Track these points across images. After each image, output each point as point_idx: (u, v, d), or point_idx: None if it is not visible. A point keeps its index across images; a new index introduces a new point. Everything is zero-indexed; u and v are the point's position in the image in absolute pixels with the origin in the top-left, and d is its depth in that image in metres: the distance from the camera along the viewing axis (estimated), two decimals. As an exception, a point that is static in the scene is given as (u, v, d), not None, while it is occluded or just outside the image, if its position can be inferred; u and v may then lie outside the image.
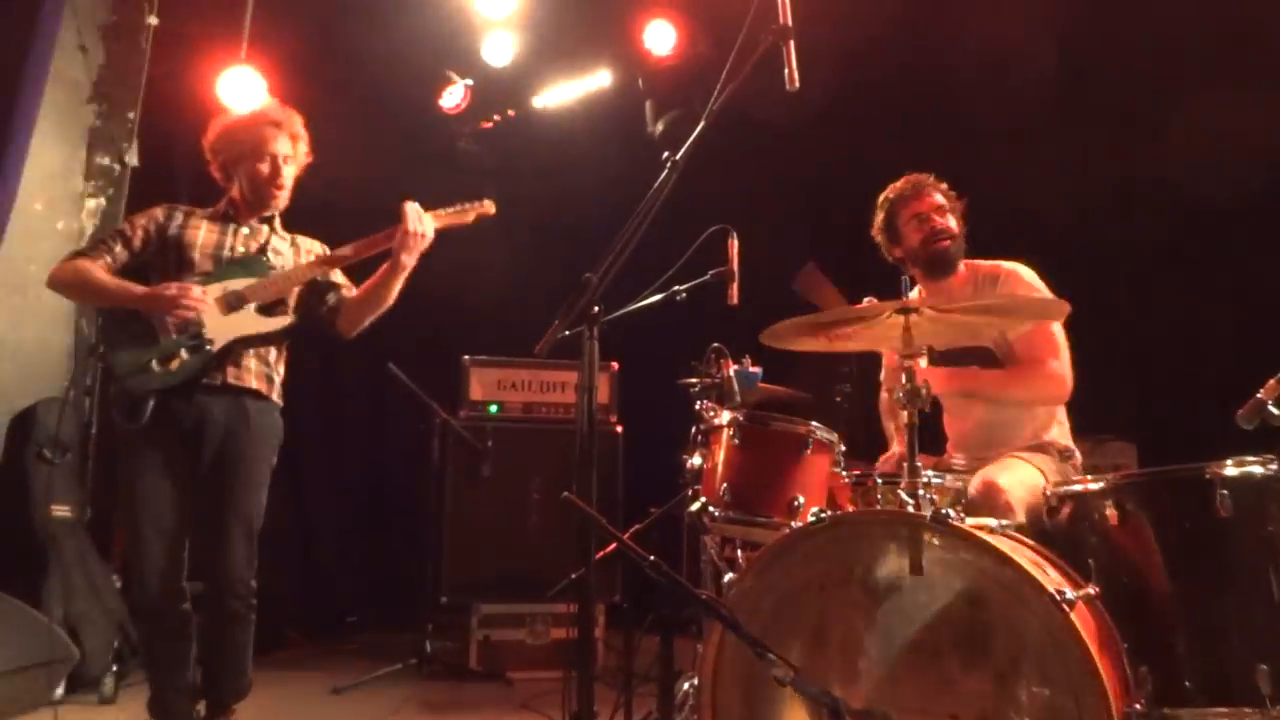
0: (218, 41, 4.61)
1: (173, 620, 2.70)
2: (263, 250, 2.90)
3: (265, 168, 2.91)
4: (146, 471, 2.67)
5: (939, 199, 3.02)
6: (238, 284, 2.80)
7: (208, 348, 2.72)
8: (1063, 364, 2.84)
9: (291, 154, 2.97)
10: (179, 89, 4.64)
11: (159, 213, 2.90)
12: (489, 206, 2.97)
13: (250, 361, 2.80)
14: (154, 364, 2.70)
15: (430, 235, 2.83)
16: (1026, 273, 2.95)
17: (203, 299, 2.72)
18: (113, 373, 2.75)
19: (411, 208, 2.82)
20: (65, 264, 2.78)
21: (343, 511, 5.81)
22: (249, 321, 2.79)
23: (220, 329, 2.75)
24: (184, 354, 2.71)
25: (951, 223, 3.01)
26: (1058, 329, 2.87)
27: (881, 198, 3.14)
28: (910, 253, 3.05)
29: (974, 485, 2.56)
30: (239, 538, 2.70)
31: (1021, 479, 2.60)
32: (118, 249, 2.81)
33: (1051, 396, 2.87)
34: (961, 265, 3.03)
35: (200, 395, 2.71)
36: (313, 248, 3.05)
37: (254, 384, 2.79)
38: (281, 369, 2.93)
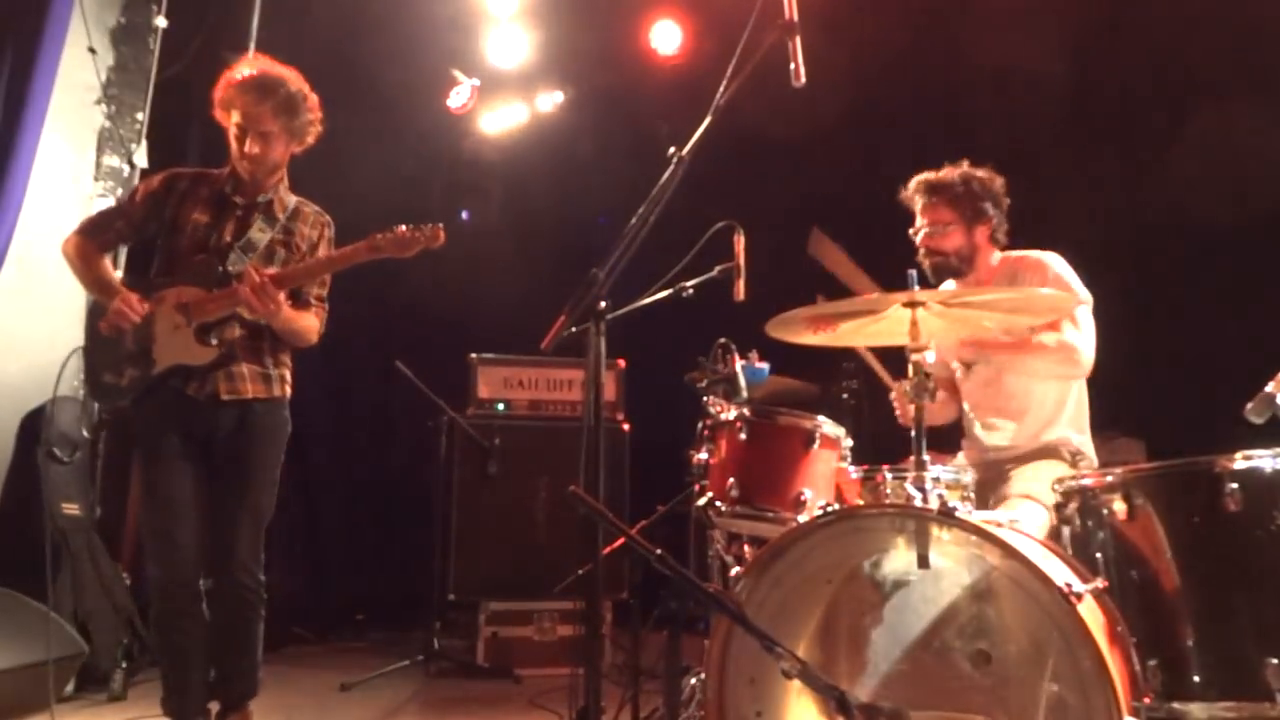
0: (225, 43, 4.62)
1: (188, 618, 2.70)
2: (227, 251, 2.73)
3: (233, 139, 2.72)
4: (163, 471, 2.69)
5: (944, 211, 2.94)
6: (189, 294, 2.70)
7: (151, 369, 2.68)
8: (1081, 336, 2.79)
9: (274, 129, 2.71)
10: (187, 90, 4.67)
11: (159, 187, 2.82)
12: (437, 236, 2.72)
13: (243, 369, 2.75)
14: (107, 376, 2.70)
15: (272, 307, 2.64)
16: (1054, 263, 2.89)
17: (135, 313, 2.63)
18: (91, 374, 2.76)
19: (248, 272, 2.65)
20: (72, 237, 2.80)
21: (350, 509, 5.83)
22: (187, 348, 2.68)
23: (165, 349, 2.68)
24: (130, 369, 2.68)
25: (949, 238, 2.93)
26: (1083, 311, 2.83)
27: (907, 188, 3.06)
28: None
29: None
30: (247, 532, 2.71)
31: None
32: (119, 224, 2.83)
33: (1066, 363, 2.79)
34: (997, 257, 2.99)
35: (206, 410, 2.71)
36: (320, 220, 2.91)
37: (251, 394, 2.75)
38: (285, 360, 2.87)
